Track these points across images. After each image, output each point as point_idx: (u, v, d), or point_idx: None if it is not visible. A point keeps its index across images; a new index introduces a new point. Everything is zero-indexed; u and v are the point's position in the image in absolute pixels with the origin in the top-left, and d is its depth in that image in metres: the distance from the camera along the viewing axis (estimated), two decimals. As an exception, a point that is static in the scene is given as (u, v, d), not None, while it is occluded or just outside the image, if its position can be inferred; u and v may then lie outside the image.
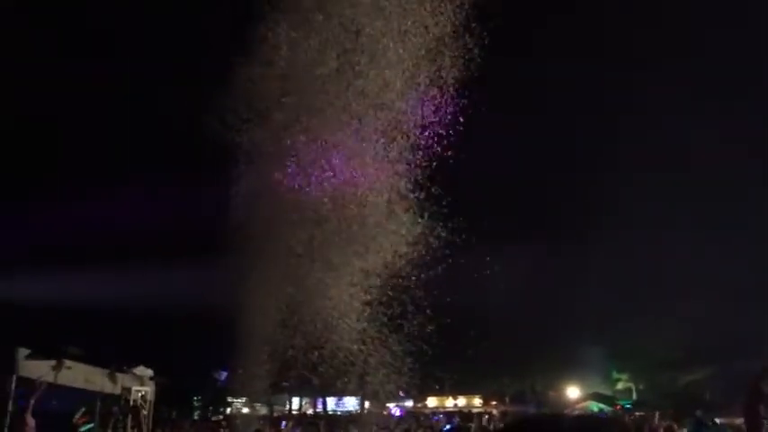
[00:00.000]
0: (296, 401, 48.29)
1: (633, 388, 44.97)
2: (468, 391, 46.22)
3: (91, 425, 16.05)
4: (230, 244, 21.60)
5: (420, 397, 43.46)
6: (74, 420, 15.34)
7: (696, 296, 34.99)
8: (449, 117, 21.40)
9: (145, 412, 16.63)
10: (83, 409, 15.63)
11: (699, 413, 12.55)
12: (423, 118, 21.68)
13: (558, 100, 36.18)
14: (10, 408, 12.36)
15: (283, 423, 31.56)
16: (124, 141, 35.91)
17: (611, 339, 42.01)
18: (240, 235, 21.51)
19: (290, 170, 22.46)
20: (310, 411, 46.32)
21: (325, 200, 21.78)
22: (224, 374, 28.41)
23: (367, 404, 39.91)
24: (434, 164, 21.48)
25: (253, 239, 21.89)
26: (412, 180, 21.55)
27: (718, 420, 15.77)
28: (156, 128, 33.74)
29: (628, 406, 39.66)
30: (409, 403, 43.80)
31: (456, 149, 21.39)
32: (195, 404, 46.30)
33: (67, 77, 36.10)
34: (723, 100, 35.24)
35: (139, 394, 17.71)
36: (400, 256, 21.20)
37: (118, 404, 16.42)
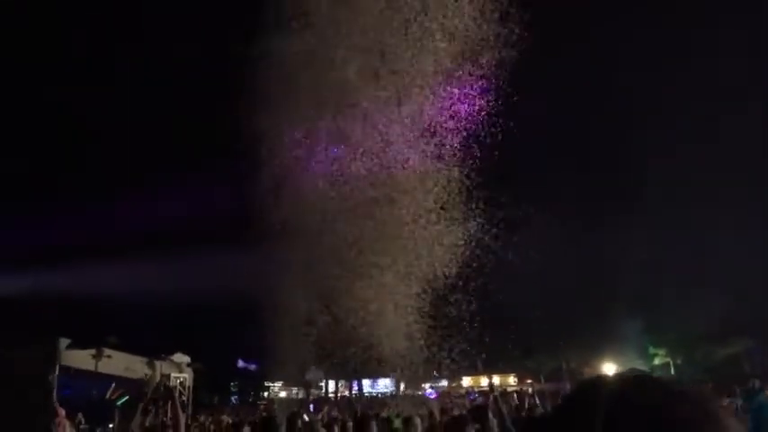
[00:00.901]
0: (332, 384, 48.77)
1: (671, 363, 44.36)
2: (502, 371, 46.13)
3: (125, 398, 16.39)
4: (265, 234, 21.83)
5: (454, 377, 43.52)
6: (107, 397, 15.70)
7: (733, 269, 34.40)
8: (491, 102, 21.38)
9: (184, 398, 16.91)
10: (113, 385, 15.96)
11: (757, 383, 12.00)
12: (463, 102, 21.69)
13: (605, 83, 35.66)
14: (55, 397, 12.67)
15: (311, 406, 31.87)
16: (159, 136, 36.33)
17: (647, 314, 41.53)
18: (276, 225, 21.75)
19: (326, 159, 22.63)
20: (346, 393, 46.77)
21: (362, 188, 21.89)
22: (253, 365, 28.67)
23: (402, 386, 40.17)
24: (474, 145, 21.50)
25: (288, 229, 22.09)
26: (448, 162, 21.55)
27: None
28: (193, 120, 34.15)
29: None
30: (444, 383, 43.92)
31: (497, 130, 21.38)
32: (233, 389, 47.10)
33: (103, 75, 36.67)
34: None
35: (178, 381, 18.02)
36: (436, 240, 21.25)
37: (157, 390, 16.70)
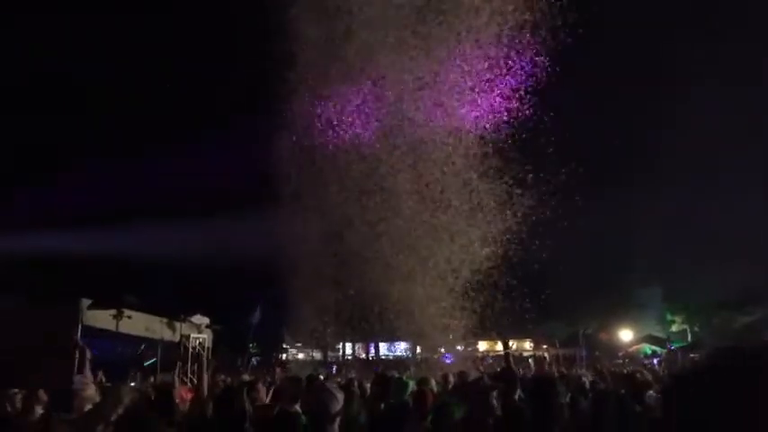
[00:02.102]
0: (349, 347, 49.37)
1: (688, 330, 44.23)
2: (518, 335, 46.33)
3: (153, 360, 16.78)
4: (288, 195, 21.94)
5: (470, 341, 43.80)
6: (138, 353, 16.11)
7: (752, 236, 34.07)
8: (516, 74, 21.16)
9: (203, 359, 17.21)
10: (143, 346, 16.35)
11: None
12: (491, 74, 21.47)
13: (619, 52, 34.83)
14: (77, 355, 12.92)
15: (334, 368, 32.27)
16: (181, 95, 36.16)
17: (665, 280, 41.38)
18: (298, 187, 21.85)
19: (341, 122, 22.56)
20: (363, 356, 47.36)
21: (390, 152, 21.89)
22: (257, 315, 28.64)
23: (419, 349, 40.51)
24: (495, 116, 21.37)
25: (311, 192, 22.18)
26: (472, 132, 21.44)
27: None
28: (214, 78, 34.00)
29: (679, 347, 39.21)
30: (460, 348, 44.18)
31: (519, 104, 21.18)
32: (252, 351, 47.77)
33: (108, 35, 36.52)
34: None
35: (197, 341, 18.33)
36: (453, 205, 21.23)
37: (178, 351, 17.03)
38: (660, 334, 43.22)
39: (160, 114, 37.10)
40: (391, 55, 21.08)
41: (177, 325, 18.00)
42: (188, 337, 18.15)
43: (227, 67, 31.34)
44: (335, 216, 21.98)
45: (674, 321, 44.89)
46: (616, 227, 35.84)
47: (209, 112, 35.77)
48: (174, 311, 19.14)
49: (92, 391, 6.32)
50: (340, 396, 4.73)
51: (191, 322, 18.95)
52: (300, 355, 49.06)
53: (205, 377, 5.99)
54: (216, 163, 36.13)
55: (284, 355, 48.30)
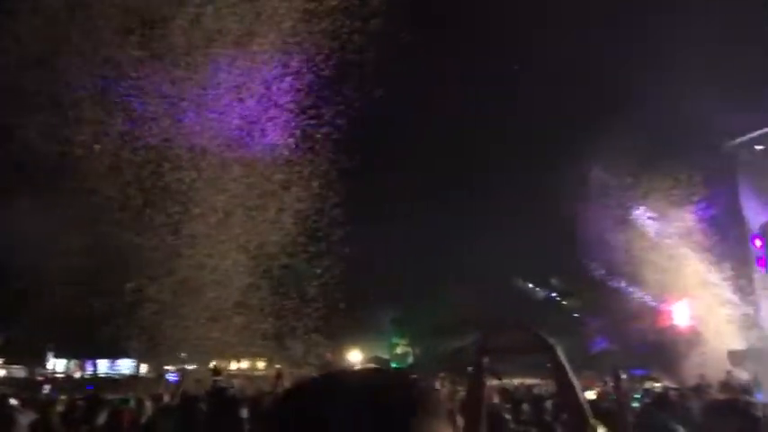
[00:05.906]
0: (61, 364, 44.56)
1: (410, 352, 47.98)
2: (252, 354, 45.94)
3: None
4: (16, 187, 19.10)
5: (201, 360, 42.34)
6: None
7: (470, 265, 37.93)
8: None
9: None
10: None
11: None
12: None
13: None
14: None
15: (48, 387, 29.03)
16: None
17: (397, 305, 44.63)
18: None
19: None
20: (78, 375, 43.02)
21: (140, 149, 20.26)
22: None
23: (144, 367, 38.14)
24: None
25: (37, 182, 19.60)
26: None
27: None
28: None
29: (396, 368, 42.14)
30: (191, 367, 42.40)
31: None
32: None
33: None
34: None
35: None
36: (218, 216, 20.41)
37: None
38: (386, 356, 46.19)
39: None
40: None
41: None
42: None
43: None
44: (72, 216, 19.84)
45: (398, 344, 48.46)
46: (353, 251, 37.19)
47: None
48: None
49: None
50: (24, 418, 4.05)
51: None
52: (2, 372, 42.94)
53: None
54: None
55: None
